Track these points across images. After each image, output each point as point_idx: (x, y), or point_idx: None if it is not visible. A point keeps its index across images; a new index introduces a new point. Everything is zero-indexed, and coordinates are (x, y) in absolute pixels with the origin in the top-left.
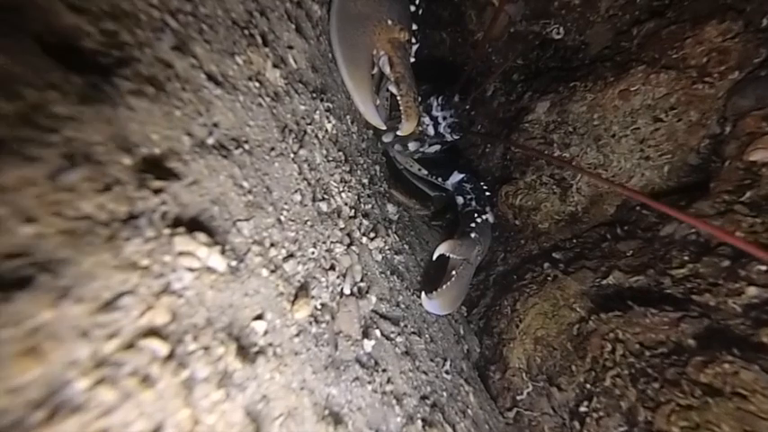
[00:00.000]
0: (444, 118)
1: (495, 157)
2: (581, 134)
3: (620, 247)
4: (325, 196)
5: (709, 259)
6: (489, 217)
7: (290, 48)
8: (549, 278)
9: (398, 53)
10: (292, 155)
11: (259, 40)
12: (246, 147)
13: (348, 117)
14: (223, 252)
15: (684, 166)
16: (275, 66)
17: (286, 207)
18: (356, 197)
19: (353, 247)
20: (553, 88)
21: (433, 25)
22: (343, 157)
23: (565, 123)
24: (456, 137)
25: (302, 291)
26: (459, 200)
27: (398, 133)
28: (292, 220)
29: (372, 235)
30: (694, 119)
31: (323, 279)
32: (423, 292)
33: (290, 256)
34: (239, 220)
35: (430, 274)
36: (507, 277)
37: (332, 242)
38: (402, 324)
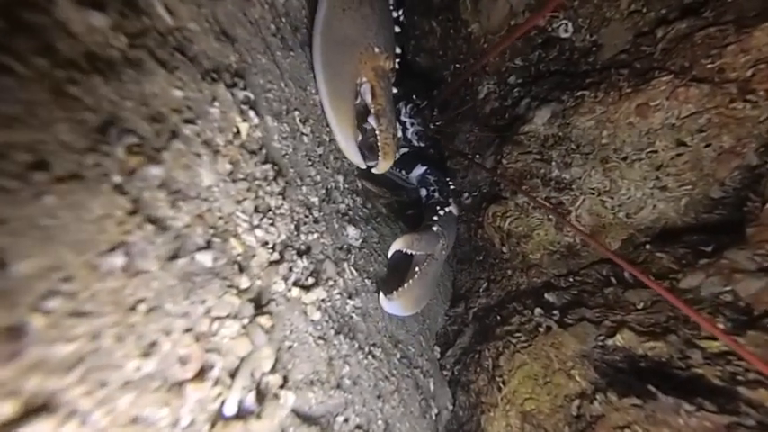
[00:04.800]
0: (412, 124)
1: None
2: (585, 153)
3: (627, 296)
4: (215, 240)
5: (758, 334)
6: (453, 209)
7: None
8: (540, 328)
9: (381, 83)
10: (118, 177)
11: None
12: None
13: (296, 114)
14: None
15: (705, 199)
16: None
17: (79, 285)
18: (293, 227)
19: (261, 318)
20: (555, 96)
21: (423, 12)
22: (271, 173)
23: (567, 139)
24: (422, 144)
25: None
26: (423, 192)
27: (373, 171)
28: (89, 311)
29: (311, 281)
30: (727, 145)
31: (161, 413)
32: (380, 293)
33: (41, 408)
34: None
35: (390, 273)
36: (489, 315)
37: (217, 319)
38: (341, 419)
